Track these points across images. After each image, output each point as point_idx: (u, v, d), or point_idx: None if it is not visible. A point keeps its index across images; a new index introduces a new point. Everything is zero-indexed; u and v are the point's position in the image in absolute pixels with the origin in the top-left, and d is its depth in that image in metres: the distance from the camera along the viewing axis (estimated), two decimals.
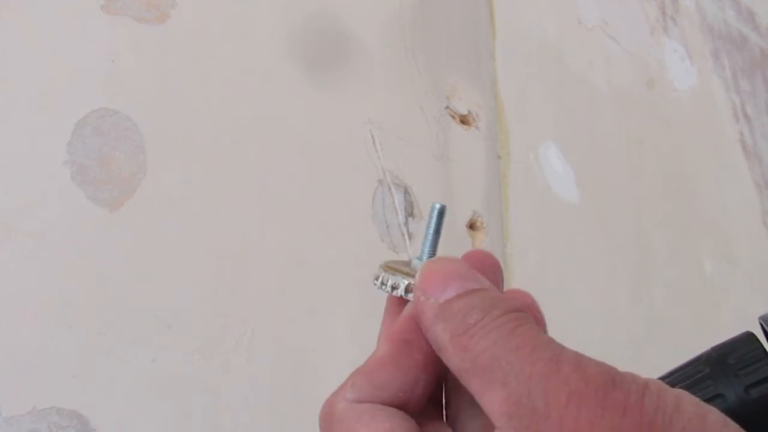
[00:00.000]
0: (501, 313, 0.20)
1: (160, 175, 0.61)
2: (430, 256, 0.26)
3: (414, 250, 0.76)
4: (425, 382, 0.24)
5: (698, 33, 1.37)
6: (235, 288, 0.62)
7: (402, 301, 0.26)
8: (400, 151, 0.80)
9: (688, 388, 0.31)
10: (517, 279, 0.87)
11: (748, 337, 0.31)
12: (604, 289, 0.97)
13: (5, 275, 0.52)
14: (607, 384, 0.18)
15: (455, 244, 0.83)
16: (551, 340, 0.20)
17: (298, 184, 0.70)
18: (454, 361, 0.21)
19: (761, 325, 0.32)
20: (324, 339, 0.66)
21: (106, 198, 0.58)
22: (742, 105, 1.36)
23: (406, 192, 0.79)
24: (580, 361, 0.18)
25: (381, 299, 0.27)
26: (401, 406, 0.23)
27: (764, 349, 0.31)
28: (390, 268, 0.26)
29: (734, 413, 0.29)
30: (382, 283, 0.25)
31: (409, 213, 0.78)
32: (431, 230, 0.26)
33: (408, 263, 0.27)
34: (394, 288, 0.24)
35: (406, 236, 0.76)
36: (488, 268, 0.25)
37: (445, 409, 0.26)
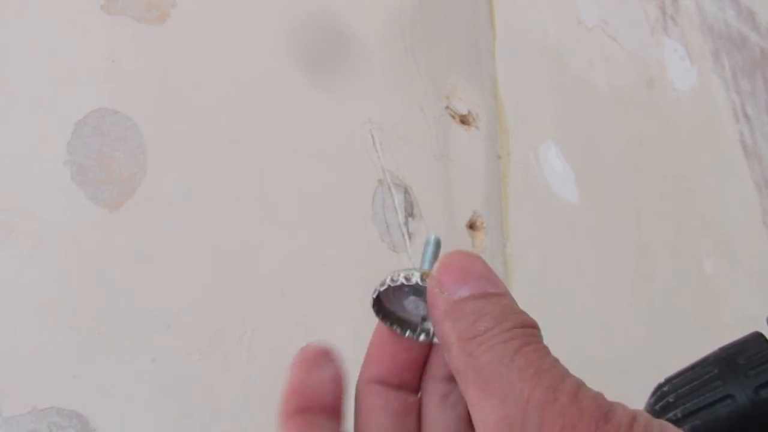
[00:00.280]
0: (511, 326, 0.21)
1: (160, 175, 0.61)
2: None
3: (414, 250, 0.76)
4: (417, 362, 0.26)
5: (698, 33, 1.37)
6: (235, 288, 0.62)
7: None
8: (400, 151, 0.80)
9: (697, 389, 0.31)
10: (517, 279, 0.87)
11: (758, 338, 0.31)
12: (604, 289, 0.97)
13: (5, 275, 0.52)
14: (599, 419, 0.18)
15: (455, 244, 0.82)
16: (555, 364, 0.20)
17: (298, 184, 0.70)
18: (457, 362, 0.21)
19: None
20: (324, 339, 0.66)
21: (106, 198, 0.58)
22: (742, 105, 1.36)
23: (406, 192, 0.79)
24: (577, 392, 0.19)
25: None
26: (399, 386, 0.25)
27: None
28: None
29: (744, 414, 0.29)
30: (393, 280, 0.24)
31: (409, 213, 0.78)
32: (426, 264, 0.25)
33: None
34: (407, 279, 0.23)
35: (406, 236, 0.76)
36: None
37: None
